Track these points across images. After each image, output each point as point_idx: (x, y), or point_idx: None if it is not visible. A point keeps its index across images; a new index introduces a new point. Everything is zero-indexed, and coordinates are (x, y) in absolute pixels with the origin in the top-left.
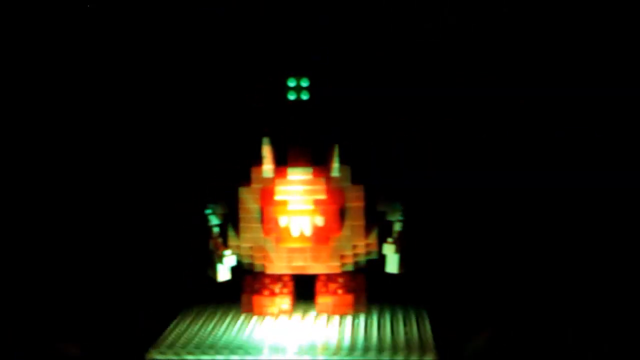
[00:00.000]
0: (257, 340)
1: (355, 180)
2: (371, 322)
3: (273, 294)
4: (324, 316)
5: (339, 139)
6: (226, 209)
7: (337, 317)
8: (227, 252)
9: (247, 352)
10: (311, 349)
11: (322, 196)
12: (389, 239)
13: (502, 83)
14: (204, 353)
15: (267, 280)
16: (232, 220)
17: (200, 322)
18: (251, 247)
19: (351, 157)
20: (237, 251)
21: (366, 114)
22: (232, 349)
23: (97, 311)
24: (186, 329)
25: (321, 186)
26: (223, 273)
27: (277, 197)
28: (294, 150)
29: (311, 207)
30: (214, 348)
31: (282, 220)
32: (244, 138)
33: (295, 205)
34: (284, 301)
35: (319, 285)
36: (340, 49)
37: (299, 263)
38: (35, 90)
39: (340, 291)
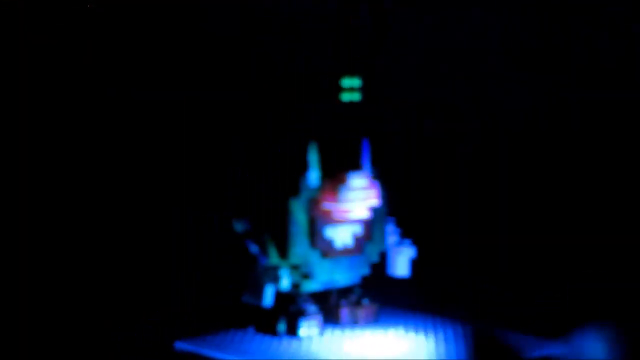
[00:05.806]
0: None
1: None
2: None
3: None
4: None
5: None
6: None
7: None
8: (284, 272)
9: None
10: None
11: (375, 202)
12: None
13: None
14: None
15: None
16: (272, 235)
17: None
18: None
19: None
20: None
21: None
22: None
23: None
24: None
25: (375, 191)
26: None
27: (336, 206)
28: (349, 154)
29: (366, 215)
30: None
31: (330, 231)
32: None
33: (351, 214)
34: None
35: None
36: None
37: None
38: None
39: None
